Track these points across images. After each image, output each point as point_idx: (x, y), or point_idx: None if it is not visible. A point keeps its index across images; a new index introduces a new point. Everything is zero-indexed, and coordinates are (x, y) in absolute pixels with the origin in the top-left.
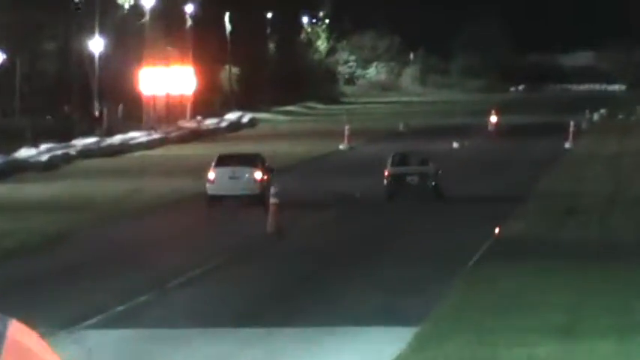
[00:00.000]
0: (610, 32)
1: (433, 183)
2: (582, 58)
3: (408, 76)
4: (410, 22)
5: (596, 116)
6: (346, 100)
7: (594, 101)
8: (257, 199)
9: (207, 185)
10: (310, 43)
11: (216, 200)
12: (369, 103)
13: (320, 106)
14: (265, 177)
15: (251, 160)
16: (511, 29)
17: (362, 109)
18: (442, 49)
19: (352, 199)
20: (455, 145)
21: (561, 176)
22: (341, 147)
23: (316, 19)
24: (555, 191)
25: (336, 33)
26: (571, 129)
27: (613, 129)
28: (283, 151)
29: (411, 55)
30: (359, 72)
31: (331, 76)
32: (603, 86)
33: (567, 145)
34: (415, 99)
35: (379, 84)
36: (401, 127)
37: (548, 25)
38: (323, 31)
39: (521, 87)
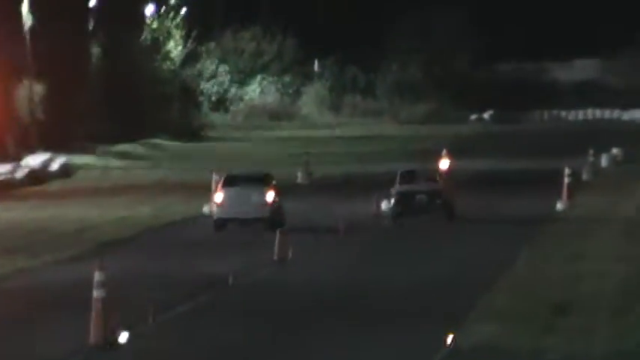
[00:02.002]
0: (624, 31)
1: (438, 201)
2: (583, 69)
3: (312, 97)
4: (313, 15)
5: (605, 160)
6: (215, 134)
7: (602, 136)
8: (266, 222)
9: (215, 209)
10: (157, 45)
11: (222, 224)
12: (251, 139)
13: (173, 143)
14: (276, 198)
15: (262, 180)
16: (473, 26)
17: (239, 149)
18: (364, 56)
19: (224, 286)
20: (384, 206)
21: (548, 255)
22: (206, 209)
23: (166, 8)
24: (539, 278)
25: (198, 30)
26: (565, 180)
27: (631, 180)
28: (114, 215)
29: (316, 65)
30: (234, 91)
31: (191, 97)
32: (616, 112)
33: (559, 205)
34: (323, 133)
35: (266, 109)
36: (299, 177)
37: (531, 20)
38: (177, 27)
39: (487, 114)
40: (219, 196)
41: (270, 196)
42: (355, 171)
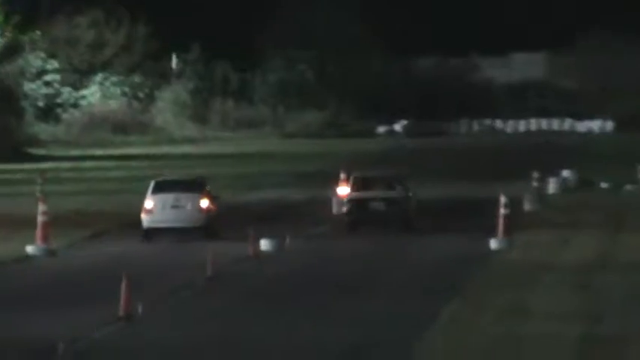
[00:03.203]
0: (577, 18)
1: (396, 210)
2: (524, 66)
3: (168, 103)
4: None
5: (553, 185)
6: (43, 152)
7: (550, 153)
8: (201, 231)
9: (144, 216)
10: None
11: (152, 234)
12: (89, 157)
13: None
14: (211, 206)
15: (195, 186)
16: (378, 14)
17: (75, 172)
18: (238, 47)
19: (51, 355)
20: (266, 244)
21: (478, 309)
22: (31, 249)
23: None
24: (466, 341)
25: (21, 15)
26: (501, 211)
27: (588, 211)
28: None
29: (174, 61)
30: (67, 94)
31: (10, 102)
32: (568, 122)
33: (494, 243)
34: (184, 149)
35: (109, 118)
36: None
37: (456, 4)
38: None
39: (400, 125)
40: (148, 203)
41: (204, 202)
42: (226, 199)
